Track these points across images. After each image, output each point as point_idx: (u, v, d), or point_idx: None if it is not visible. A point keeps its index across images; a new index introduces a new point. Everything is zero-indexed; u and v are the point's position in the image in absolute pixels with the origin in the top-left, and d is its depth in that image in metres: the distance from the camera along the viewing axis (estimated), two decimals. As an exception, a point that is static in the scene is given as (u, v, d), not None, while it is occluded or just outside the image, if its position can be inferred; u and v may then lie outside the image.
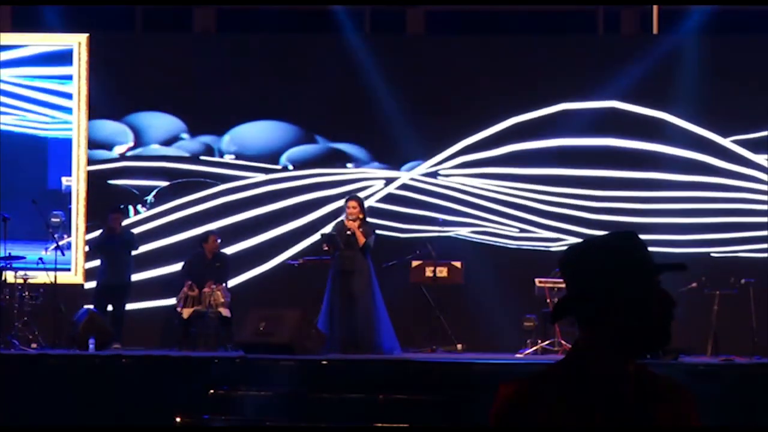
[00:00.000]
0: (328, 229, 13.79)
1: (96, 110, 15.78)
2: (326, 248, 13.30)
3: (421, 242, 14.69)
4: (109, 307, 14.38)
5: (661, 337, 2.58)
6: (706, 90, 15.23)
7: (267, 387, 10.61)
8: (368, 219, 13.28)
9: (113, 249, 14.53)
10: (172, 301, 14.54)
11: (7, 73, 15.79)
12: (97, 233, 15.06)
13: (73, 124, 15.81)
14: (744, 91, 15.26)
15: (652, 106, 15.44)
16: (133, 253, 14.71)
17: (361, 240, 12.87)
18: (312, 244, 15.22)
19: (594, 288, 2.57)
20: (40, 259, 14.47)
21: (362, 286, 12.86)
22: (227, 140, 15.86)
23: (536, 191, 15.55)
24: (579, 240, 2.80)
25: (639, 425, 2.52)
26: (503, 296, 14.62)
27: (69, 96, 15.82)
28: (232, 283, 14.71)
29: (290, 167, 15.82)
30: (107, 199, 15.43)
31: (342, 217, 13.16)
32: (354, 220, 12.94)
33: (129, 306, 14.67)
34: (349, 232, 12.93)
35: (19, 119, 15.78)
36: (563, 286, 12.31)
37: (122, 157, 15.89)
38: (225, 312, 14.01)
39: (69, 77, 15.83)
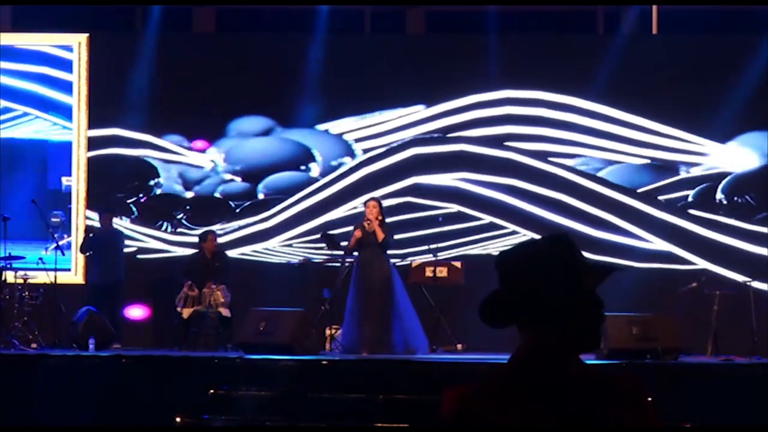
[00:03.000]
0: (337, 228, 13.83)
1: (95, 110, 15.78)
2: (326, 247, 13.39)
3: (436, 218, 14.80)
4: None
5: (591, 339, 2.60)
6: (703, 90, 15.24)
7: (267, 387, 10.62)
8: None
9: (99, 248, 14.52)
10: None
11: (7, 79, 15.80)
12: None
13: (73, 124, 15.80)
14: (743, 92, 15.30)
15: (651, 107, 15.46)
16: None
17: (380, 236, 12.94)
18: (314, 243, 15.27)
19: (526, 290, 2.59)
20: (40, 259, 14.47)
21: (381, 284, 12.93)
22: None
23: (538, 189, 15.55)
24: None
25: (583, 426, 2.53)
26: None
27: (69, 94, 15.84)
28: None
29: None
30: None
31: (362, 218, 13.25)
32: (374, 219, 13.03)
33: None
34: (367, 224, 12.98)
35: (19, 125, 15.80)
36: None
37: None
38: (225, 312, 14.01)
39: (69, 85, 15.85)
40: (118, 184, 15.77)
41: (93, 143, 15.78)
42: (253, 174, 15.84)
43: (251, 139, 15.84)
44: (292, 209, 15.65)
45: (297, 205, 15.66)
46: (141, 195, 15.78)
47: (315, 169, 15.78)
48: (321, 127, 15.84)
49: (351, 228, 13.39)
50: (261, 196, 15.80)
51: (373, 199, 13.58)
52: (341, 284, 13.42)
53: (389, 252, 13.27)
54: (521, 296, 2.60)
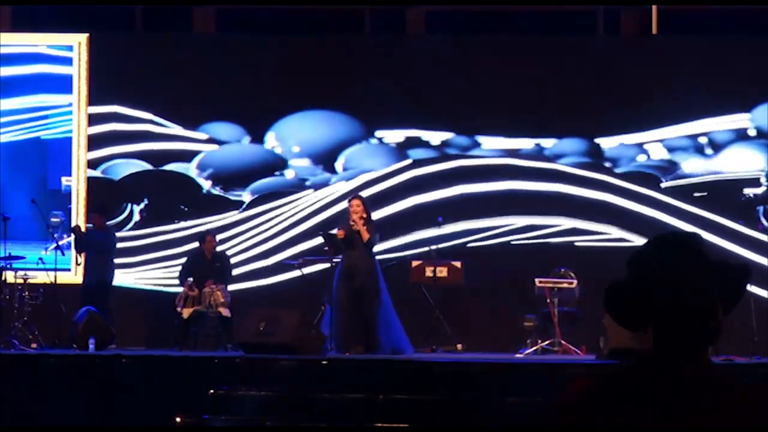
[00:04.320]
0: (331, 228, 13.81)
1: (95, 109, 15.80)
2: (327, 248, 13.37)
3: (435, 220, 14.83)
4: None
5: (710, 334, 2.60)
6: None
7: (267, 387, 10.61)
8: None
9: (87, 249, 14.51)
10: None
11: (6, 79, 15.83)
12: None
13: (73, 124, 15.81)
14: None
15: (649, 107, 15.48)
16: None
17: (365, 236, 12.89)
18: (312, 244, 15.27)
19: (648, 287, 2.60)
20: (40, 259, 14.47)
21: (367, 284, 12.89)
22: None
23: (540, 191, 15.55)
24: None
25: (689, 427, 2.53)
26: (503, 296, 14.61)
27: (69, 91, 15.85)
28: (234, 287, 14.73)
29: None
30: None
31: (347, 217, 13.20)
32: (358, 219, 12.97)
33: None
34: (352, 224, 12.95)
35: (19, 130, 15.82)
36: (563, 286, 12.20)
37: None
38: (225, 312, 14.01)
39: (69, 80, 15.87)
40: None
41: (92, 142, 15.80)
42: (224, 179, 15.84)
43: (224, 145, 15.83)
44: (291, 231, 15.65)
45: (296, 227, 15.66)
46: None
47: (289, 175, 15.75)
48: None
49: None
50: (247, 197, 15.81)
51: (356, 197, 13.46)
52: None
53: (379, 249, 13.21)
54: (645, 293, 2.61)
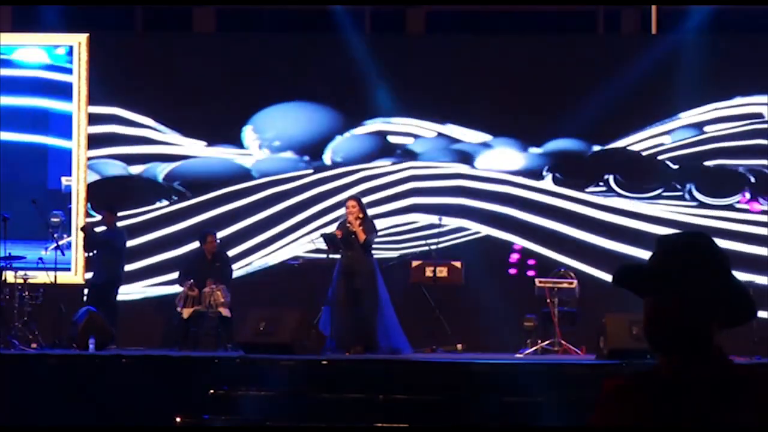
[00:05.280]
0: (330, 229, 13.81)
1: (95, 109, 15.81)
2: (327, 248, 13.38)
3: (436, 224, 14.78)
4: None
5: (697, 336, 2.61)
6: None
7: (267, 387, 10.62)
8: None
9: (99, 247, 14.55)
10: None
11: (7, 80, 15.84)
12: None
13: (73, 124, 15.82)
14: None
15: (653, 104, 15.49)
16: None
17: (362, 237, 12.89)
18: (312, 244, 15.27)
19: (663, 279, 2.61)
20: (40, 259, 14.48)
21: (366, 284, 12.89)
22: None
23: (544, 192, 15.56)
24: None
25: (712, 428, 2.53)
26: (503, 296, 14.61)
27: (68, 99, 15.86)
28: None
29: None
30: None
31: (344, 218, 13.21)
32: (354, 220, 12.97)
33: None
34: (348, 224, 12.96)
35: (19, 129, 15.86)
36: (563, 286, 12.13)
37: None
38: (225, 312, 14.01)
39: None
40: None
41: (92, 143, 15.82)
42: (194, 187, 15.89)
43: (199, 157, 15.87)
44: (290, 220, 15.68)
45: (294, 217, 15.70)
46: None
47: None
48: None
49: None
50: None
51: (352, 198, 13.46)
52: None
53: (376, 246, 13.21)
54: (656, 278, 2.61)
